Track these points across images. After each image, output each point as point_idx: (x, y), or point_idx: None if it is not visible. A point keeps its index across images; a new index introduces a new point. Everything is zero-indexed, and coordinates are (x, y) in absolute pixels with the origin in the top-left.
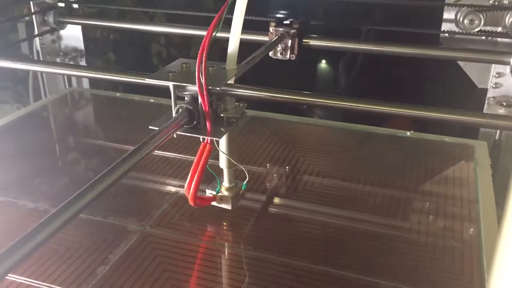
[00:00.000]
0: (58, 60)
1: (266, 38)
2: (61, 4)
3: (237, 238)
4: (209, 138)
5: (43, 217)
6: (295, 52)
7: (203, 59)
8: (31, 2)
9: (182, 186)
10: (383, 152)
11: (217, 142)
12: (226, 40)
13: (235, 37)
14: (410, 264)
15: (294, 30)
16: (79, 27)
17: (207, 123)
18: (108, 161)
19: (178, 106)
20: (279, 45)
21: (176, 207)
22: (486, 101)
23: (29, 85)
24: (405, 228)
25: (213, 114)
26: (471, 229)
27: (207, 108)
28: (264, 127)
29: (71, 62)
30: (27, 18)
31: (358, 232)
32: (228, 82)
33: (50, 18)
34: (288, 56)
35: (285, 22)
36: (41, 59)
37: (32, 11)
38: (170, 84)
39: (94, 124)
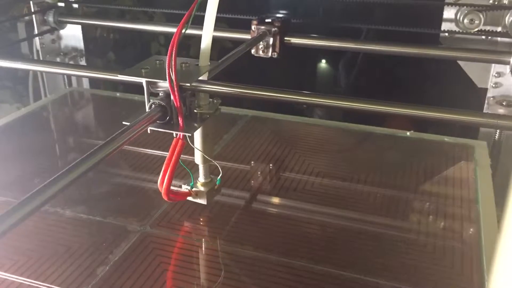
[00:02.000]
0: (58, 59)
1: (248, 36)
2: (61, 4)
3: (237, 238)
4: (181, 133)
5: (43, 216)
6: (277, 50)
7: (173, 55)
8: (31, 2)
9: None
10: (383, 152)
11: (190, 137)
12: (225, 39)
13: (207, 33)
14: (410, 264)
15: (275, 28)
16: (79, 26)
17: (179, 119)
18: (108, 161)
19: (151, 102)
20: (261, 43)
21: (176, 207)
22: (486, 101)
23: (29, 85)
24: (405, 228)
25: (187, 110)
26: (471, 229)
27: (178, 104)
28: (264, 127)
29: (71, 62)
30: (27, 17)
31: (358, 232)
32: (201, 78)
33: (50, 18)
34: (270, 54)
35: (266, 20)
36: (41, 58)
37: (32, 10)
38: (143, 80)
39: (94, 124)
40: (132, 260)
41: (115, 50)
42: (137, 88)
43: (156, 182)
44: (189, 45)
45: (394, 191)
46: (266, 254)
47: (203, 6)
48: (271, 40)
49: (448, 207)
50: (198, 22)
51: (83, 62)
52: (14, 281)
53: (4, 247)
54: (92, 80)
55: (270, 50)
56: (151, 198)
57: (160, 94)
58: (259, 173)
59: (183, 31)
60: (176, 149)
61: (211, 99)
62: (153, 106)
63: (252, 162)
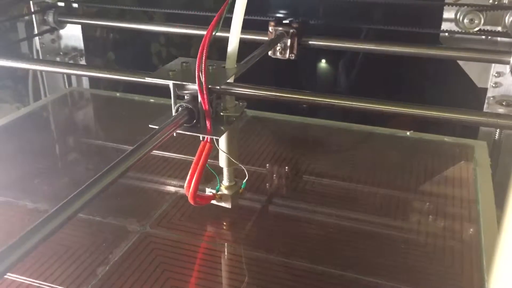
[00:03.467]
0: (58, 59)
1: (265, 38)
2: (61, 4)
3: (237, 238)
4: (208, 136)
5: (43, 217)
6: (294, 51)
7: (203, 58)
8: (31, 2)
9: (182, 186)
10: (383, 152)
11: (217, 140)
12: (225, 39)
13: (235, 36)
14: (410, 264)
15: (293, 30)
16: (79, 26)
17: (207, 122)
18: (108, 161)
19: (178, 105)
20: (278, 44)
21: (176, 207)
22: (486, 101)
23: (28, 84)
24: (405, 228)
25: (213, 113)
26: (471, 229)
27: (207, 106)
28: (264, 127)
29: (71, 62)
30: (26, 17)
31: (358, 232)
32: (228, 81)
33: (50, 18)
34: (287, 56)
35: (284, 21)
36: (40, 58)
37: (32, 10)
38: (170, 83)
39: (94, 124)
40: (132, 260)
41: (115, 50)
42: (138, 88)
43: (157, 182)
44: (190, 45)
45: (394, 191)
46: (266, 254)
47: (230, 8)
48: (288, 42)
49: (448, 207)
50: (203, 23)
51: (83, 62)
52: (14, 280)
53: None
54: (92, 80)
55: (288, 51)
56: (151, 198)
57: (186, 97)
58: (258, 173)
59: (214, 33)
60: (204, 153)
61: (236, 102)
62: (180, 109)
63: (251, 163)
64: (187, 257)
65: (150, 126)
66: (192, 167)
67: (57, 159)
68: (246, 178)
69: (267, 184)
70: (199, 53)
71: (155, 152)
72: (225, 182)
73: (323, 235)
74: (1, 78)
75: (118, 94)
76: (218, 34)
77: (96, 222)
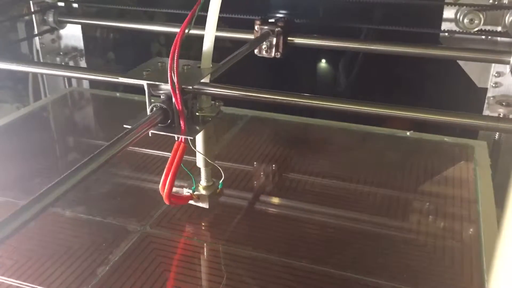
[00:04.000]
0: (58, 59)
1: (251, 37)
2: (61, 4)
3: (237, 238)
4: (182, 136)
5: (43, 217)
6: (280, 50)
7: (175, 58)
8: (31, 2)
9: (182, 186)
10: (383, 152)
11: (192, 140)
12: (226, 39)
13: (209, 35)
14: (410, 264)
15: (279, 28)
16: (79, 26)
17: (181, 122)
18: (107, 161)
19: (152, 105)
20: (264, 43)
21: (176, 207)
22: (486, 101)
23: (29, 84)
24: (405, 228)
25: (188, 113)
26: (471, 229)
27: (180, 106)
28: (264, 127)
29: (71, 62)
30: (26, 17)
31: (358, 232)
32: (203, 80)
33: (50, 18)
34: (273, 54)
35: (270, 20)
36: (40, 58)
37: (32, 10)
38: (144, 83)
39: (94, 124)
40: (132, 260)
41: (115, 50)
42: (138, 88)
43: (157, 182)
44: (190, 45)
45: (394, 191)
46: (266, 254)
47: (205, 7)
48: (274, 40)
49: (448, 207)
50: (200, 22)
51: (83, 62)
52: (14, 281)
53: (4, 247)
54: (92, 80)
55: (274, 50)
56: (151, 198)
57: (161, 96)
58: (259, 173)
59: (186, 31)
60: (178, 153)
61: (213, 102)
62: (154, 109)
63: (252, 162)
64: (187, 257)
65: (124, 126)
66: (166, 167)
67: (57, 159)
68: (223, 178)
69: (267, 184)
70: (171, 53)
71: (155, 152)
72: (203, 182)
73: (323, 235)
74: (1, 78)
75: (118, 94)
76: (219, 34)
77: (96, 222)
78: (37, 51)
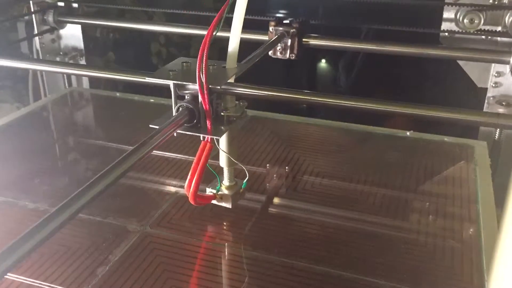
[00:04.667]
0: (58, 59)
1: (266, 38)
2: (61, 4)
3: (237, 238)
4: (209, 136)
5: (43, 217)
6: (295, 51)
7: (204, 58)
8: (31, 2)
9: (182, 186)
10: (383, 152)
11: (217, 140)
12: (226, 39)
13: (235, 36)
14: (410, 264)
15: (294, 30)
16: (79, 26)
17: (207, 122)
18: (108, 161)
19: (178, 105)
20: (279, 44)
21: (176, 207)
22: (486, 101)
23: (28, 84)
24: (405, 228)
25: (213, 113)
26: (471, 229)
27: (207, 106)
28: (264, 127)
29: (71, 62)
30: (26, 17)
31: (358, 232)
32: (229, 81)
33: (50, 18)
34: (288, 56)
35: (284, 21)
36: (40, 58)
37: (32, 10)
38: (171, 83)
39: (94, 124)
40: (132, 260)
41: (115, 50)
42: (138, 88)
43: (157, 182)
44: (190, 45)
45: (394, 191)
46: (266, 254)
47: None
48: (289, 42)
49: (448, 207)
50: (203, 22)
51: (83, 62)
52: (14, 280)
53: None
54: (92, 80)
55: (288, 51)
56: (151, 198)
57: (186, 96)
58: (258, 173)
59: (214, 33)
60: (204, 153)
61: (237, 102)
62: (180, 109)
63: (251, 163)
64: (187, 257)
65: (150, 126)
66: (192, 167)
67: (57, 159)
68: (247, 178)
69: (267, 184)
70: (199, 53)
71: (155, 152)
72: (226, 182)
73: (323, 235)
74: (1, 78)
75: (118, 94)
76: (219, 34)
77: (96, 222)
78: (37, 51)
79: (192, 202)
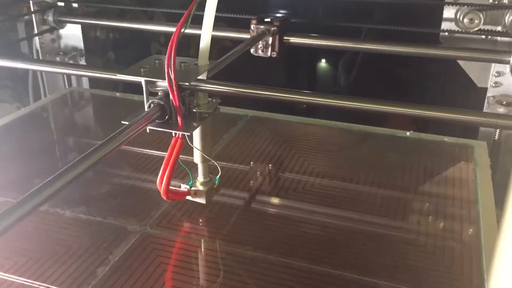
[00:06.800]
0: (57, 59)
1: (248, 36)
2: (61, 3)
3: (237, 238)
4: (180, 132)
5: (43, 217)
6: (276, 49)
7: (172, 55)
8: (31, 1)
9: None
10: (383, 152)
11: (189, 137)
12: (226, 39)
13: (206, 32)
14: (410, 264)
15: (275, 28)
16: (79, 26)
17: (178, 118)
18: (107, 161)
19: (150, 101)
20: (260, 42)
21: (176, 207)
22: (486, 100)
23: (28, 84)
24: (405, 229)
25: (186, 110)
26: (471, 230)
27: (177, 103)
28: (264, 127)
29: (71, 61)
30: (26, 17)
31: (358, 232)
32: (199, 77)
33: (50, 17)
34: (269, 53)
35: (266, 19)
36: (40, 58)
37: (32, 10)
38: (142, 80)
39: (94, 124)
40: (132, 260)
41: (115, 49)
42: (137, 88)
43: (156, 182)
44: (189, 44)
45: (394, 191)
46: (266, 254)
47: (202, 6)
48: (270, 40)
49: (447, 207)
50: (198, 21)
51: (82, 62)
52: (14, 281)
53: (4, 248)
54: (92, 80)
55: (270, 49)
56: (151, 198)
57: (159, 93)
58: (258, 173)
59: (182, 30)
60: (175, 149)
61: (210, 99)
62: (152, 105)
63: (251, 162)
64: (187, 257)
65: (122, 122)
66: (164, 162)
67: (57, 159)
68: (219, 174)
69: (267, 184)
70: (168, 50)
71: (155, 152)
72: (200, 178)
73: (323, 235)
74: (1, 78)
75: (118, 94)
76: (219, 34)
77: (96, 222)
78: (37, 50)
79: (164, 197)
